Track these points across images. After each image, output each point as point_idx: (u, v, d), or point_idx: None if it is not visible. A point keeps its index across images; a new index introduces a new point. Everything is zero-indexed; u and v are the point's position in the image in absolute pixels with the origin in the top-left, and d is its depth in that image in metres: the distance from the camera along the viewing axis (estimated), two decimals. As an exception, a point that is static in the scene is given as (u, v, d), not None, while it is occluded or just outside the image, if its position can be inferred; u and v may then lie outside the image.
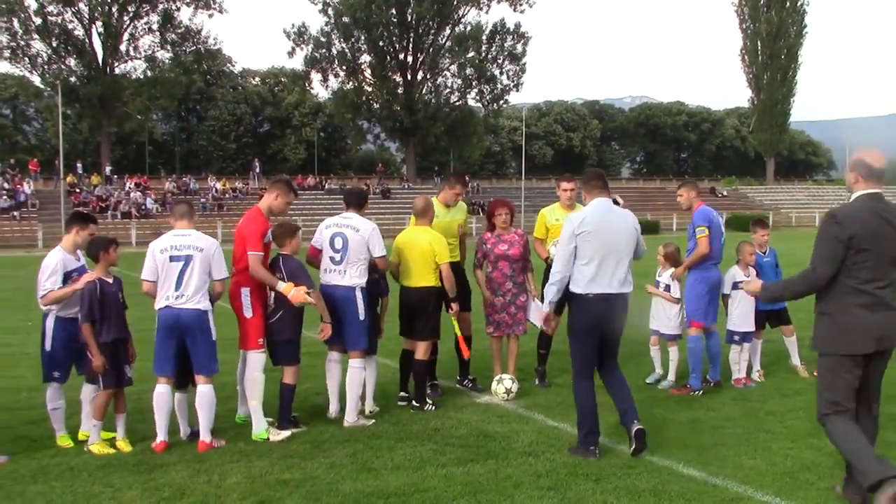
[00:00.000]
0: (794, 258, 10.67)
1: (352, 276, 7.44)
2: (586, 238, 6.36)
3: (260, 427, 7.05)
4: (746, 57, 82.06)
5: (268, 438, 6.95)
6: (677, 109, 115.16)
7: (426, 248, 7.89)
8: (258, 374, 7.12)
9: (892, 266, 5.27)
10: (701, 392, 8.51)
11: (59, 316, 6.88)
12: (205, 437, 6.81)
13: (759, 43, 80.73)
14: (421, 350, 7.99)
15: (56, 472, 6.18)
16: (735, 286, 8.89)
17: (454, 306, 8.03)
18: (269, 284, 7.06)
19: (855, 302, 5.24)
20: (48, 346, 6.89)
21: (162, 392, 6.81)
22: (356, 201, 7.81)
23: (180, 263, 6.77)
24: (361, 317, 7.45)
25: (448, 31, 69.26)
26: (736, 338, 8.93)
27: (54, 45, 59.89)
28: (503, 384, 8.20)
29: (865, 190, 5.32)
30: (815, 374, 9.19)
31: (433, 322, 8.00)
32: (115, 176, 59.15)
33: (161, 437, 6.80)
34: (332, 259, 7.49)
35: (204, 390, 6.84)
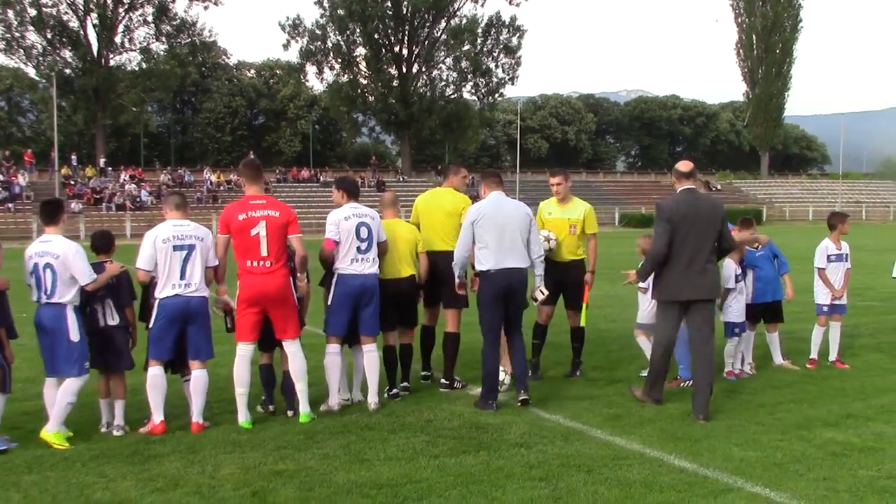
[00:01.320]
0: (791, 251, 10.71)
1: (374, 263, 7.68)
2: (482, 224, 7.59)
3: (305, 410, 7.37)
4: (741, 51, 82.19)
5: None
6: (672, 103, 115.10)
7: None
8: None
9: (702, 238, 7.37)
10: (690, 383, 8.53)
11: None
12: (198, 419, 7.05)
13: (754, 37, 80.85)
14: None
15: (50, 463, 6.20)
16: (737, 279, 8.96)
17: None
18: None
19: (677, 266, 7.39)
20: (75, 337, 6.74)
21: (156, 374, 6.95)
22: (356, 191, 7.99)
23: (184, 252, 6.93)
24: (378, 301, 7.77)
25: (443, 24, 69.14)
26: (736, 330, 8.99)
27: (49, 36, 59.69)
28: (496, 376, 8.24)
29: (682, 187, 7.57)
30: (807, 365, 9.33)
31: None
32: (110, 168, 58.99)
33: (159, 417, 6.94)
34: (359, 248, 7.59)
35: (199, 374, 7.05)
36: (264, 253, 7.05)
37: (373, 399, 7.71)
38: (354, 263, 7.59)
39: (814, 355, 9.56)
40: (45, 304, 6.70)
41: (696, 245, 7.41)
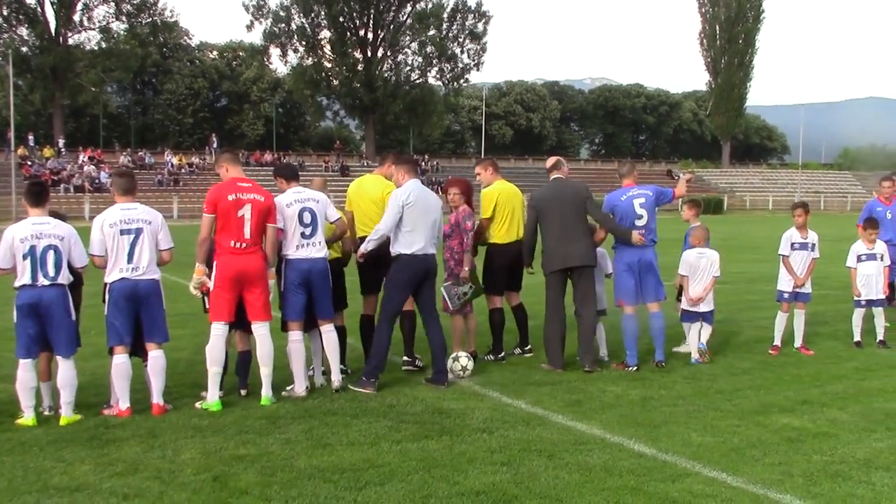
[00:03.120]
0: (749, 240, 10.83)
1: (322, 247, 7.69)
2: (413, 209, 7.78)
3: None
4: (705, 41, 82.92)
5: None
6: (636, 92, 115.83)
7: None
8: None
9: (570, 219, 8.56)
10: (636, 368, 8.66)
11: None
12: (158, 400, 7.06)
13: (717, 27, 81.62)
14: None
15: (7, 448, 6.11)
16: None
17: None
18: None
19: (553, 238, 8.57)
20: (73, 316, 6.89)
21: (121, 361, 6.93)
22: (294, 174, 8.00)
23: (131, 236, 6.91)
24: (330, 284, 7.82)
25: (409, 9, 68.88)
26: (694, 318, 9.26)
27: (5, 13, 58.49)
28: (459, 361, 8.26)
29: (553, 176, 8.99)
30: (770, 352, 9.48)
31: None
32: (63, 150, 57.73)
33: (125, 404, 6.93)
34: (303, 234, 7.57)
35: (156, 355, 7.07)
36: (247, 235, 7.14)
37: (336, 377, 7.75)
38: (300, 249, 7.58)
39: (777, 342, 9.72)
40: (47, 285, 6.65)
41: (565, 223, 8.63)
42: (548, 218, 8.63)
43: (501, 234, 9.01)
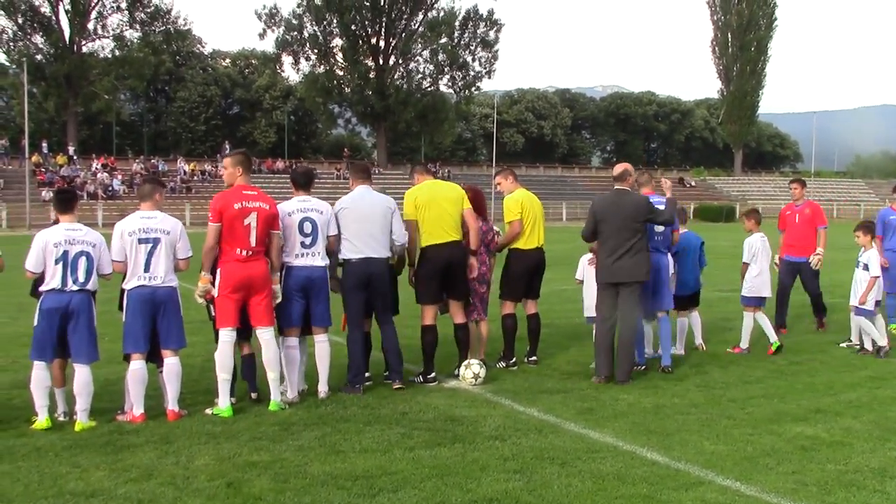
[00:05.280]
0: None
1: (323, 257, 7.74)
2: (344, 215, 7.90)
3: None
4: (717, 48, 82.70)
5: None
6: (648, 99, 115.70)
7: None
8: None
9: (625, 232, 8.37)
10: (643, 367, 8.99)
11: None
12: (173, 406, 7.12)
13: (729, 35, 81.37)
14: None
15: (23, 453, 6.16)
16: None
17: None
18: None
19: (606, 249, 8.45)
20: (95, 323, 7.00)
21: (138, 368, 6.98)
22: (306, 182, 8.01)
23: (148, 246, 6.99)
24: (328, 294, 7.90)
25: (421, 17, 69.08)
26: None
27: (20, 21, 58.89)
28: (471, 369, 8.26)
29: (616, 187, 8.66)
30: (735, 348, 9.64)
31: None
32: (76, 157, 57.89)
33: (139, 410, 6.99)
34: (303, 244, 7.64)
35: (172, 362, 7.12)
36: (253, 243, 7.22)
37: (323, 388, 7.80)
38: (299, 258, 7.65)
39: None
40: (76, 290, 6.76)
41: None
42: (604, 229, 8.52)
43: (523, 240, 9.03)
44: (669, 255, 9.35)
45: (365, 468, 5.80)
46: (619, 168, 8.85)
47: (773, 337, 9.97)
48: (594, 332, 8.74)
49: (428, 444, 6.34)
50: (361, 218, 7.89)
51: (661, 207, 8.86)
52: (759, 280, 9.95)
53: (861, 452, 6.29)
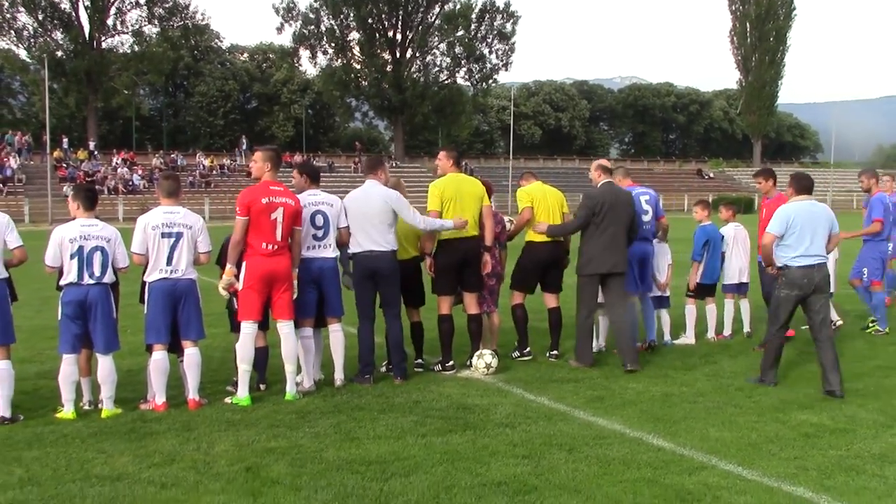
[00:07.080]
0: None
1: (334, 248, 7.99)
2: (349, 209, 8.07)
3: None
4: (735, 38, 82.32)
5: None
6: (666, 90, 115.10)
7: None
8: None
9: (620, 223, 8.70)
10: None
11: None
12: (194, 395, 7.36)
13: (748, 25, 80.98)
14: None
15: (51, 440, 6.40)
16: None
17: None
18: None
19: (598, 243, 8.68)
20: (115, 314, 7.28)
21: (160, 358, 7.22)
22: (317, 176, 8.38)
23: (171, 240, 7.21)
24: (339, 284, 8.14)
25: (437, 9, 69.12)
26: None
27: (40, 18, 59.51)
28: (483, 359, 8.43)
29: (604, 180, 8.91)
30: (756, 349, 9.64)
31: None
32: (96, 152, 58.46)
33: (161, 399, 7.23)
34: (314, 236, 7.86)
35: (192, 352, 7.34)
36: (279, 237, 7.43)
37: (338, 376, 8.02)
38: (311, 251, 7.86)
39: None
40: (92, 284, 6.99)
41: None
42: (602, 221, 8.72)
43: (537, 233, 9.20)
44: (655, 243, 9.78)
45: (378, 454, 6.00)
46: (604, 162, 9.39)
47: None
48: (577, 322, 9.00)
49: (440, 431, 6.53)
50: (360, 213, 8.07)
51: (648, 195, 9.63)
52: (733, 267, 10.53)
53: (863, 439, 6.43)
